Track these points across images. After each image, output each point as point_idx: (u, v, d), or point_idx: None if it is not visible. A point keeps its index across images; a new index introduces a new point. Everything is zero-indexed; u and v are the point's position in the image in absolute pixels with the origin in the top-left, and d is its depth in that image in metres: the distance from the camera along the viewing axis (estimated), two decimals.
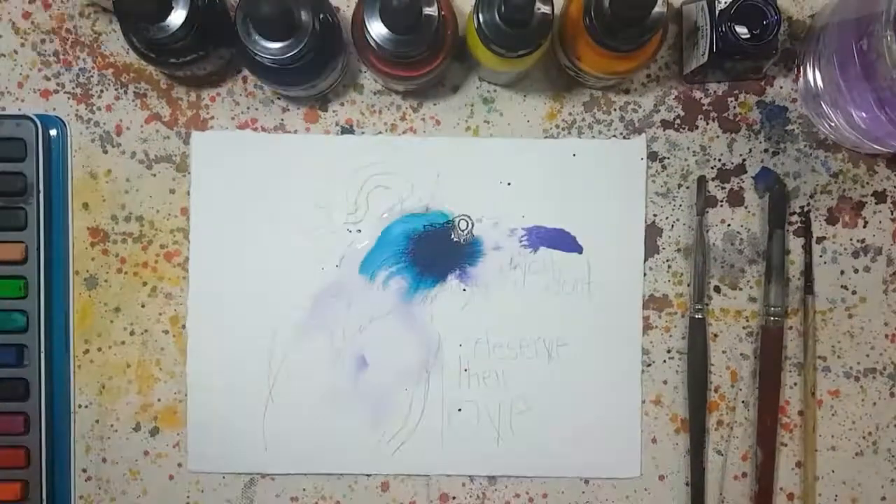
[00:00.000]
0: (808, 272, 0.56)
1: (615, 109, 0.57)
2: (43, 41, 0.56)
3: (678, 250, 0.57)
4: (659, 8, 0.47)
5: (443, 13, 0.49)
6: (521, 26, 0.47)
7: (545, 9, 0.47)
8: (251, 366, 0.56)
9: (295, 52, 0.48)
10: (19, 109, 0.56)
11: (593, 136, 0.57)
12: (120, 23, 0.51)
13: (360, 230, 0.56)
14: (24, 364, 0.55)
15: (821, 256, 0.57)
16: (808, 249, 0.56)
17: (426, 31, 0.48)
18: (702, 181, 0.56)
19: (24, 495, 0.55)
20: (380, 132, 0.57)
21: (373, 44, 0.48)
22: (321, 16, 0.50)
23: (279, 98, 0.57)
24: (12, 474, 0.55)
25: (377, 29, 0.48)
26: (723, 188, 0.57)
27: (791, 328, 0.56)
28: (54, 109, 0.56)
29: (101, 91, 0.57)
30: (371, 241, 0.56)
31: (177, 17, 0.48)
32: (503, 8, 0.47)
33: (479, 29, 0.48)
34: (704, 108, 0.57)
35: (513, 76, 0.55)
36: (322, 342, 0.56)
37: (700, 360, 0.56)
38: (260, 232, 0.56)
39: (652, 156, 0.57)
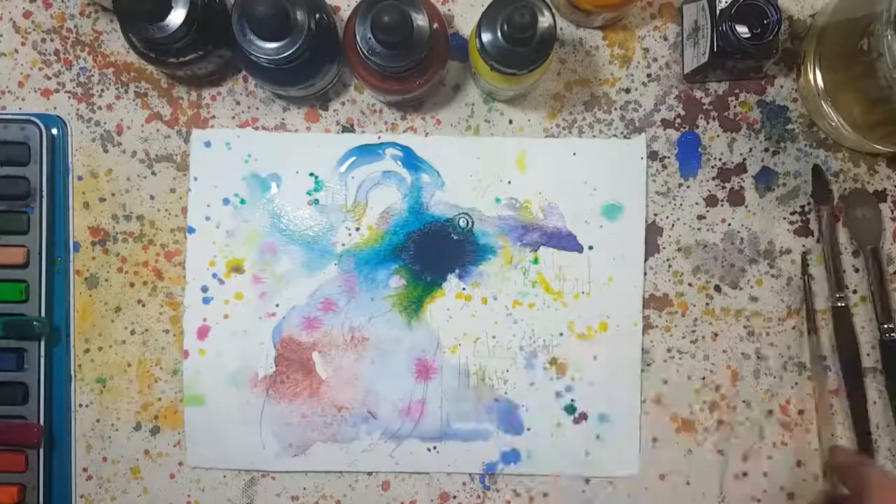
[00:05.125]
0: (804, 269, 0.56)
1: (616, 109, 0.57)
2: (43, 40, 0.56)
3: (678, 250, 0.57)
4: None
5: (435, 26, 0.49)
6: (523, 45, 0.47)
7: (547, 22, 0.47)
8: (248, 364, 0.56)
9: (290, 52, 0.48)
10: (20, 109, 0.56)
11: (594, 136, 0.56)
12: (120, 22, 0.51)
13: (358, 228, 0.56)
14: (25, 367, 0.55)
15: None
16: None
17: (417, 45, 0.48)
18: (817, 170, 0.56)
19: (23, 497, 0.55)
20: (380, 131, 0.57)
21: (364, 56, 0.48)
22: (317, 16, 0.50)
23: (279, 97, 0.57)
24: (11, 477, 0.55)
25: (373, 43, 0.48)
26: (723, 187, 0.57)
27: (794, 328, 0.56)
28: (55, 109, 0.57)
29: (102, 90, 0.57)
30: (371, 239, 0.56)
31: (176, 17, 0.48)
32: (506, 28, 0.47)
33: (481, 49, 0.48)
34: (705, 107, 0.57)
35: (517, 91, 0.55)
36: (321, 341, 0.56)
37: (851, 348, 0.56)
38: (259, 230, 0.56)
39: (652, 155, 0.57)
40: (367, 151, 0.56)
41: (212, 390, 0.56)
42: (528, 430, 0.56)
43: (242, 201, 0.56)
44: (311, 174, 0.56)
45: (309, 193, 0.56)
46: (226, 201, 0.56)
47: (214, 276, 0.56)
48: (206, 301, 0.56)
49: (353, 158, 0.56)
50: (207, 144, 0.56)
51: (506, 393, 0.56)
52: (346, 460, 0.56)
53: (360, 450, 0.56)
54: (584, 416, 0.56)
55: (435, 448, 0.56)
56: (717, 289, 0.57)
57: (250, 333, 0.56)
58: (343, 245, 0.56)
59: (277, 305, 0.56)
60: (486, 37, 0.48)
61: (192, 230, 0.56)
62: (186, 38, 0.49)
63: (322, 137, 0.56)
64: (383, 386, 0.56)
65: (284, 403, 0.56)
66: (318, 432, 0.56)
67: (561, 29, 0.56)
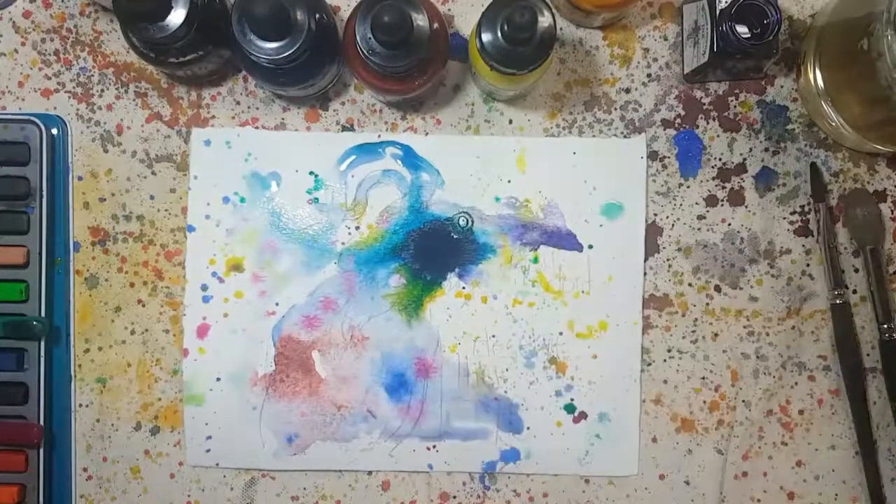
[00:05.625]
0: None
1: (615, 109, 0.57)
2: (43, 40, 0.56)
3: (679, 249, 0.57)
4: None
5: (435, 26, 0.49)
6: (523, 45, 0.47)
7: (547, 22, 0.47)
8: (248, 363, 0.56)
9: (291, 52, 0.48)
10: (20, 109, 0.56)
11: (594, 136, 0.57)
12: (120, 22, 0.51)
13: (358, 227, 0.56)
14: (25, 367, 0.55)
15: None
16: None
17: (417, 45, 0.48)
18: (814, 168, 0.56)
19: (23, 497, 0.55)
20: (380, 131, 0.57)
21: (364, 56, 0.48)
22: (317, 15, 0.50)
23: (279, 97, 0.57)
24: (11, 477, 0.55)
25: (373, 43, 0.48)
26: (723, 188, 0.57)
27: (794, 328, 0.56)
28: (55, 109, 0.57)
29: (102, 90, 0.57)
30: (370, 238, 0.56)
31: (176, 17, 0.48)
32: (506, 28, 0.47)
33: (481, 49, 0.48)
34: (705, 107, 0.57)
35: (517, 91, 0.55)
36: (320, 340, 0.56)
37: (850, 345, 0.56)
38: (259, 229, 0.56)
39: (652, 155, 0.57)
40: (367, 150, 0.56)
41: (212, 389, 0.56)
42: (528, 429, 0.56)
43: (242, 200, 0.56)
44: (311, 173, 0.56)
45: (309, 192, 0.56)
46: (226, 200, 0.56)
47: (214, 274, 0.56)
48: (205, 300, 0.56)
49: (353, 157, 0.56)
50: (207, 143, 0.56)
51: (505, 392, 0.56)
52: (345, 459, 0.56)
53: (359, 449, 0.56)
54: (583, 416, 0.56)
55: (434, 447, 0.56)
56: (717, 289, 0.57)
57: (250, 332, 0.56)
58: (343, 244, 0.56)
59: (277, 304, 0.56)
60: (486, 37, 0.48)
61: (191, 228, 0.56)
62: (186, 38, 0.49)
63: (322, 136, 0.56)
64: (382, 385, 0.56)
65: (284, 402, 0.56)
66: (317, 431, 0.56)
67: (561, 29, 0.56)
